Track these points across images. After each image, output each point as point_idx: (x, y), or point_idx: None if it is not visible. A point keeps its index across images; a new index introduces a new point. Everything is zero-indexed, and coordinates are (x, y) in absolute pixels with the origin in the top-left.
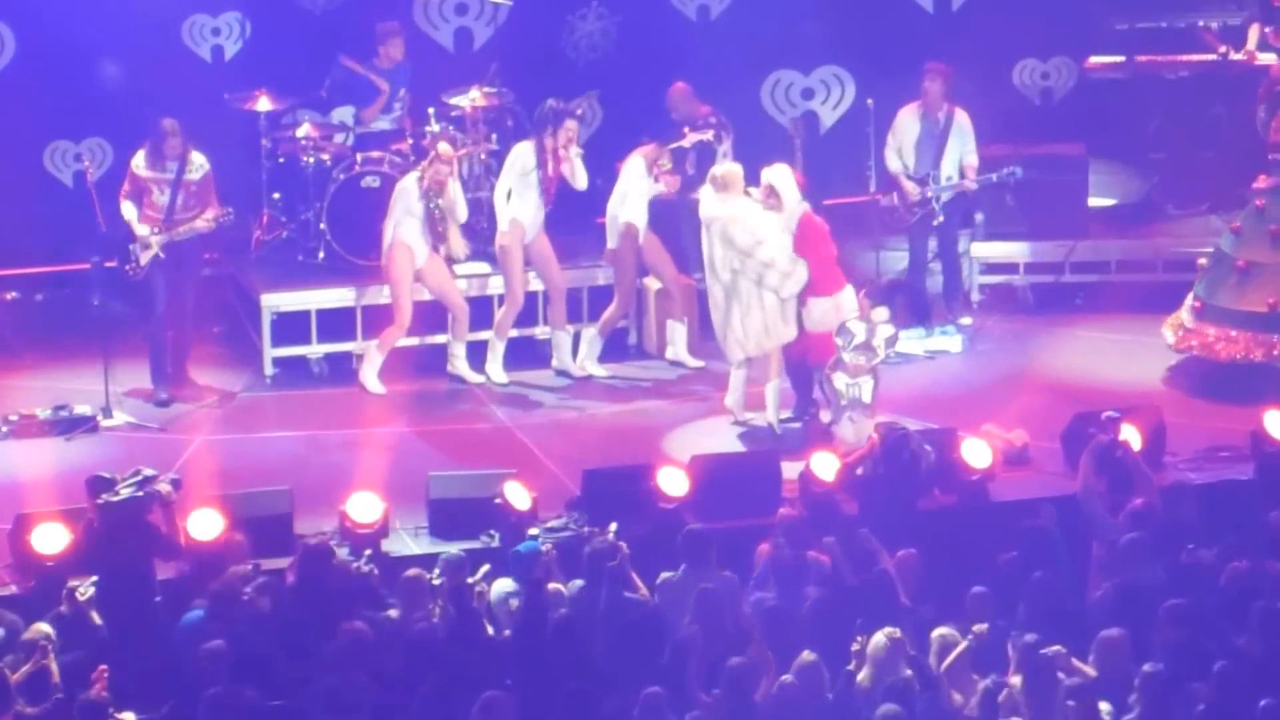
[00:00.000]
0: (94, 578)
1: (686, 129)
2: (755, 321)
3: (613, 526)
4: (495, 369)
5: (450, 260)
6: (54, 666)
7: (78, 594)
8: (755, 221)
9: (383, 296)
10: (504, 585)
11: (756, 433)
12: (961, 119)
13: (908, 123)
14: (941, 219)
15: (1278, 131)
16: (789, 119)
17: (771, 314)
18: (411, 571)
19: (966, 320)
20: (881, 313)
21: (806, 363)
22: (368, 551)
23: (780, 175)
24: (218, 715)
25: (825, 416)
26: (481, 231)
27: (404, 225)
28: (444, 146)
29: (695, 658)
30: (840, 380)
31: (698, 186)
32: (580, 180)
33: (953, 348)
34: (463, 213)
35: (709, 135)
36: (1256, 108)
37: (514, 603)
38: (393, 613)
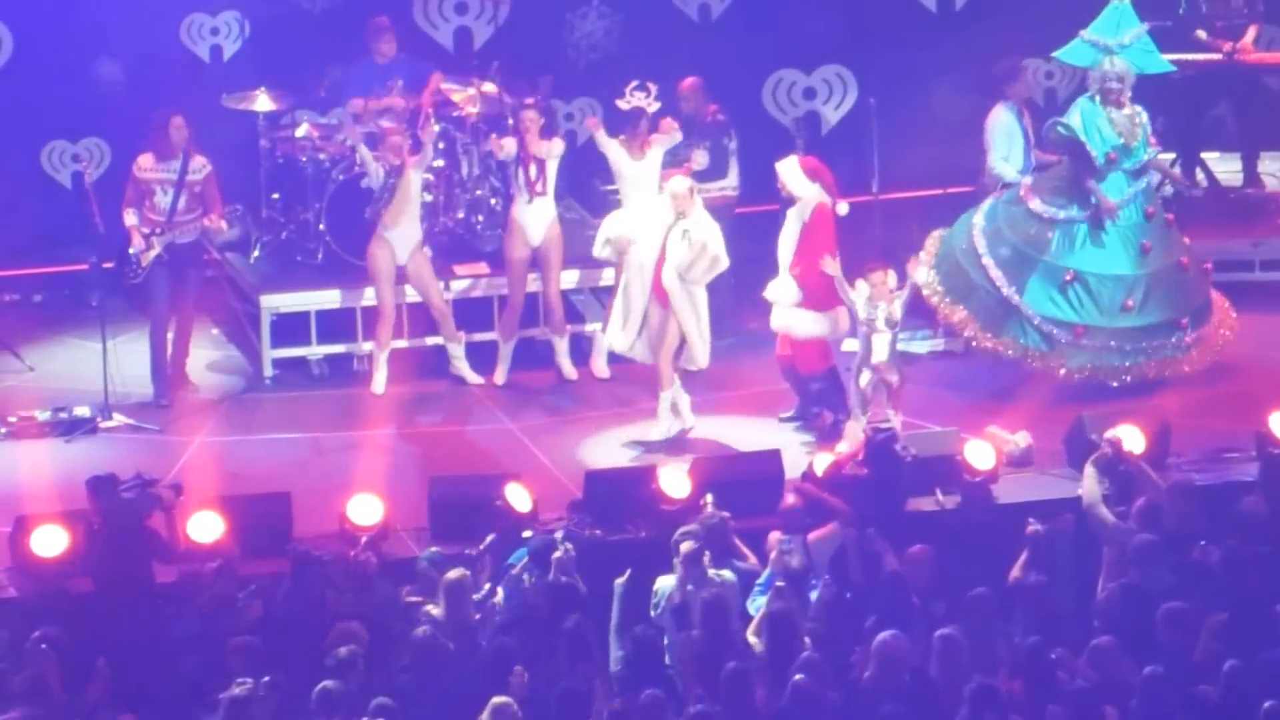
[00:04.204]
0: None
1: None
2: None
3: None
4: (499, 371)
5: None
6: (54, 671)
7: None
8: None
9: None
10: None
11: (759, 434)
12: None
13: (1011, 125)
14: None
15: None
16: (790, 119)
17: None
18: (454, 573)
19: None
20: (892, 278)
21: (797, 371)
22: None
23: (787, 168)
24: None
25: (857, 422)
26: (480, 231)
27: (384, 217)
28: (385, 123)
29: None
30: (865, 379)
31: (705, 181)
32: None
33: (956, 348)
34: (416, 192)
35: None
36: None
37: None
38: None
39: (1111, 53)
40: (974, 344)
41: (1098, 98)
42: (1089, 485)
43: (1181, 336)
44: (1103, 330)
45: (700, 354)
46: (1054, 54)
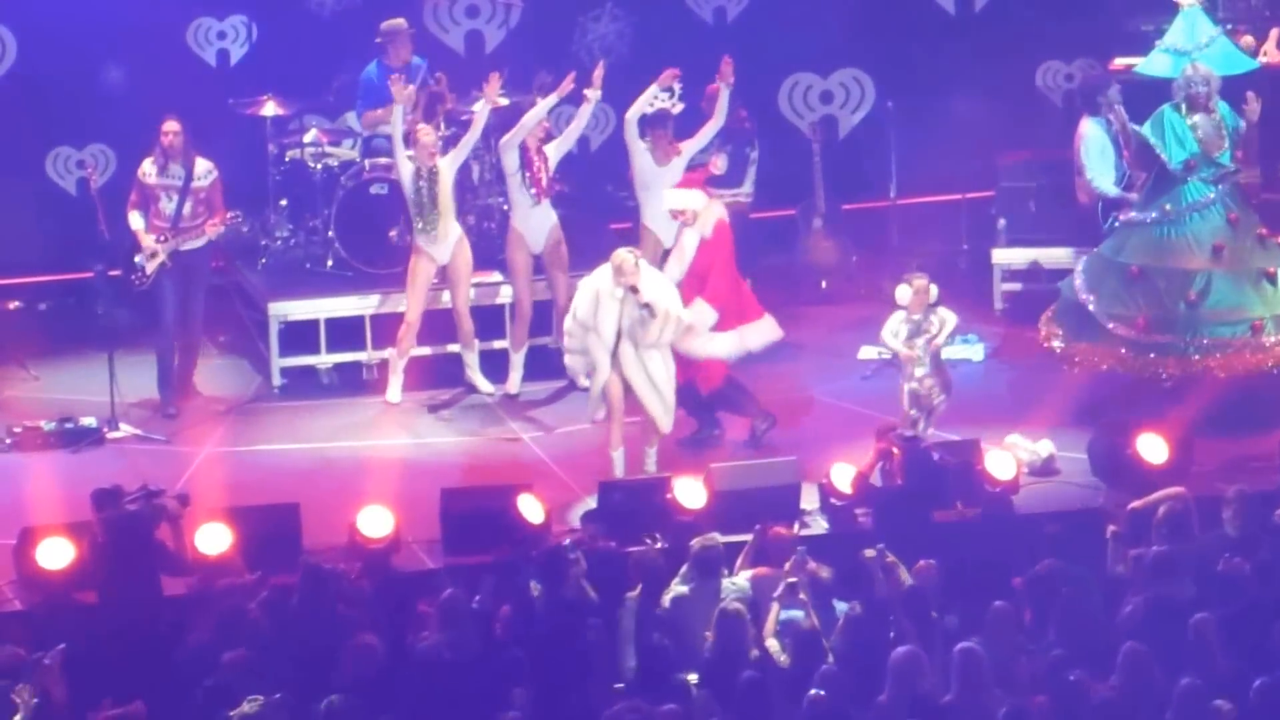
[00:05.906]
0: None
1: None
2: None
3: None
4: (511, 380)
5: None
6: (59, 685)
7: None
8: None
9: (392, 305)
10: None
11: (768, 442)
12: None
13: (1102, 139)
14: None
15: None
16: (807, 123)
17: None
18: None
19: None
20: (934, 290)
21: (696, 389)
22: None
23: (674, 195)
24: None
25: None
26: (492, 237)
27: (419, 225)
28: (421, 127)
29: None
30: (910, 386)
31: (721, 187)
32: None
33: (974, 356)
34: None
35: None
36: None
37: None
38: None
39: (1192, 58)
40: (1066, 359)
41: (1183, 105)
42: (1110, 559)
43: (1252, 336)
44: (1166, 321)
45: (663, 420)
46: (1135, 68)
